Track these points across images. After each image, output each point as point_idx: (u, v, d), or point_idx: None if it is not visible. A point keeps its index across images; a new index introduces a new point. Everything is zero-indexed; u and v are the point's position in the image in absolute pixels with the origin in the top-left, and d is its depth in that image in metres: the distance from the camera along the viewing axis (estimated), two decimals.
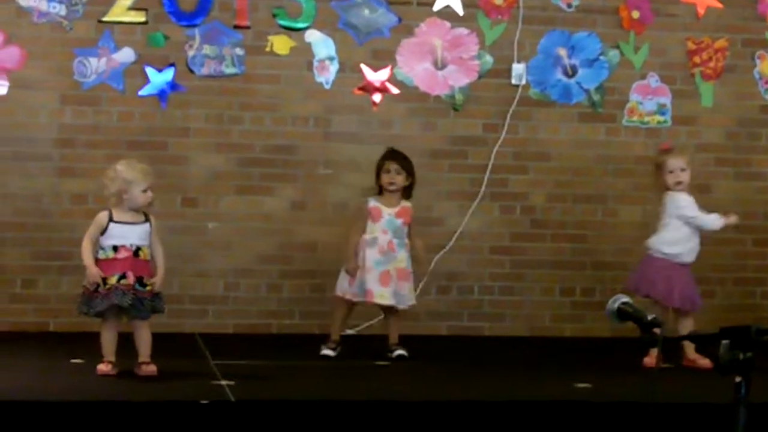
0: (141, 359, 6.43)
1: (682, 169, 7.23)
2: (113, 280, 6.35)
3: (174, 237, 7.95)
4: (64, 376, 6.38)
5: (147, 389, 6.06)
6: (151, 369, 6.40)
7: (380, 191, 7.35)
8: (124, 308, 6.35)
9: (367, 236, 7.26)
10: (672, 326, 7.07)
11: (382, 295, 7.22)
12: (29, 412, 5.47)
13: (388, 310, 7.37)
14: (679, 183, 7.22)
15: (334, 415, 5.68)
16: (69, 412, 5.49)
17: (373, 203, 7.32)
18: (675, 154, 7.33)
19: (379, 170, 7.36)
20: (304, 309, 8.22)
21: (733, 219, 7.35)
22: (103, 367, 6.38)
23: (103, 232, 6.46)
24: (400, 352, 7.24)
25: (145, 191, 6.49)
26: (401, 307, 7.31)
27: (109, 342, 6.43)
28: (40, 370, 6.57)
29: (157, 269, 6.49)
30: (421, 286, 8.35)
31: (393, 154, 7.39)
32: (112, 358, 6.42)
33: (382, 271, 7.21)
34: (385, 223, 7.28)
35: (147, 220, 6.53)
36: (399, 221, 7.31)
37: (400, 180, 7.33)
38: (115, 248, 6.42)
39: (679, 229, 7.25)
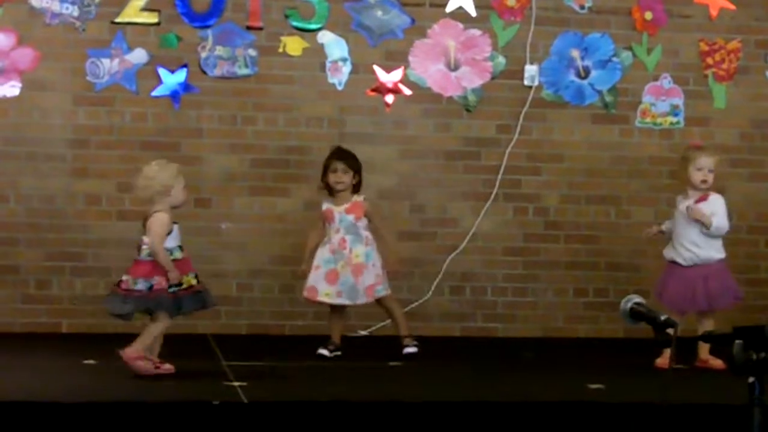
0: (156, 359, 6.49)
1: (710, 170, 7.20)
2: (191, 280, 6.40)
3: (187, 238, 7.91)
4: (77, 377, 6.39)
5: (159, 390, 6.06)
6: (169, 367, 6.46)
7: (330, 192, 7.34)
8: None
9: (326, 239, 7.28)
10: (693, 326, 7.05)
11: (327, 293, 7.23)
12: (41, 413, 5.47)
13: (380, 302, 7.34)
14: (704, 182, 7.19)
15: (346, 416, 5.68)
16: (81, 413, 5.50)
17: (325, 206, 7.33)
18: (707, 153, 7.29)
19: (326, 169, 7.34)
20: (317, 310, 8.18)
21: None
22: (170, 366, 6.42)
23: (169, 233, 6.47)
24: (410, 350, 7.24)
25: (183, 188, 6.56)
26: (358, 302, 7.28)
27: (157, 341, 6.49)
28: (52, 371, 6.58)
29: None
30: (434, 286, 8.37)
31: (340, 154, 7.39)
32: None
33: (330, 269, 7.22)
34: (338, 222, 7.28)
35: None
36: (350, 217, 7.29)
37: (347, 179, 7.31)
38: (181, 248, 6.47)
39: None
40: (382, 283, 7.29)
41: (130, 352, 6.33)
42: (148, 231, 6.42)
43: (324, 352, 7.25)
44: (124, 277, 6.41)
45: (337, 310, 7.37)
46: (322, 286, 7.24)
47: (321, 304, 7.37)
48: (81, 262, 8.07)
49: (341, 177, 7.30)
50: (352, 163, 7.35)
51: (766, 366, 3.23)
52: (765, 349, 3.23)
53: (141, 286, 6.36)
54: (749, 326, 3.26)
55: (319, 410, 5.71)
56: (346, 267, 7.22)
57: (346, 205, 7.30)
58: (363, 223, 7.30)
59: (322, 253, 7.26)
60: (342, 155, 7.38)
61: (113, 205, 8.13)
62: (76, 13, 8.04)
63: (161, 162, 6.63)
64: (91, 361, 6.75)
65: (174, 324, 6.75)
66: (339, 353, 7.28)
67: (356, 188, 7.35)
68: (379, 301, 7.35)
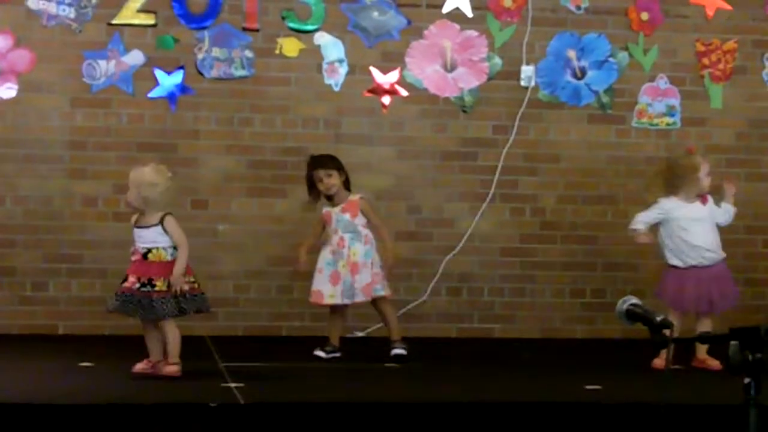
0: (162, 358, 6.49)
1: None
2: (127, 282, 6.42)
3: None
4: (73, 379, 6.38)
5: (156, 392, 6.06)
6: (170, 369, 6.41)
7: (327, 198, 7.32)
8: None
9: (327, 241, 7.28)
10: (691, 326, 7.07)
11: (332, 295, 7.20)
12: (38, 415, 5.47)
13: (375, 304, 7.32)
14: (708, 186, 7.24)
15: (343, 417, 5.68)
16: (78, 415, 5.49)
17: (325, 209, 7.31)
18: (702, 159, 7.33)
19: (311, 183, 7.32)
20: (315, 311, 8.18)
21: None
22: (138, 365, 6.42)
23: None
24: (397, 351, 7.20)
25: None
26: (356, 301, 7.24)
27: (147, 342, 6.45)
28: (49, 373, 6.58)
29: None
30: (431, 287, 8.37)
31: (316, 162, 7.33)
32: (151, 357, 6.44)
33: (332, 271, 7.21)
34: (335, 223, 7.27)
35: (160, 222, 6.53)
36: (346, 216, 7.27)
37: (334, 180, 7.28)
38: (133, 252, 6.47)
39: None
40: (380, 282, 7.25)
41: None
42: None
43: (320, 353, 7.23)
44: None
45: (337, 311, 7.35)
46: (326, 289, 7.21)
47: (326, 306, 7.34)
48: (78, 263, 8.07)
49: (327, 182, 7.26)
50: (330, 163, 7.31)
51: (762, 366, 3.23)
52: (761, 350, 3.23)
53: None
54: (745, 327, 3.26)
55: (316, 411, 5.70)
56: (346, 266, 7.21)
57: (341, 205, 7.30)
58: (361, 221, 7.28)
59: (324, 256, 7.24)
60: (319, 162, 7.32)
61: (110, 206, 8.12)
62: (72, 15, 8.04)
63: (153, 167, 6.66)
64: (88, 363, 6.74)
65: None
66: (337, 355, 7.26)
67: (347, 184, 7.33)
68: (374, 302, 7.33)
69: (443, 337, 8.35)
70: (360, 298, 7.25)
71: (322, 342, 7.33)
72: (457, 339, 8.42)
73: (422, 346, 7.42)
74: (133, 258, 6.45)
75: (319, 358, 7.21)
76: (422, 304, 8.33)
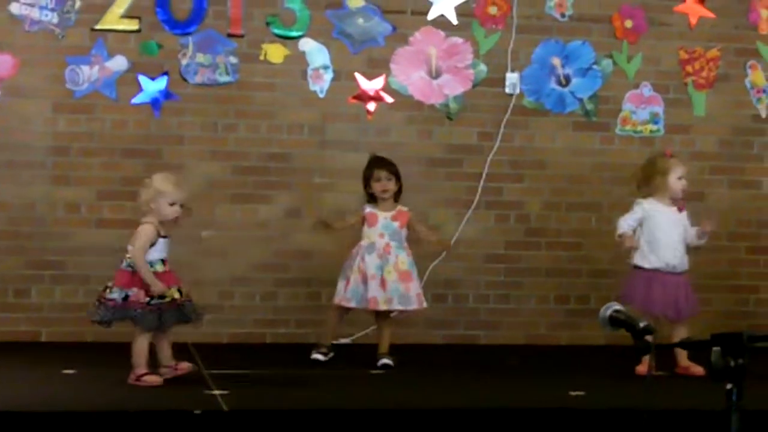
0: (172, 362, 6.52)
1: (684, 178, 7.29)
2: (174, 293, 6.39)
3: None
4: (56, 387, 6.36)
5: (140, 399, 6.05)
6: (186, 365, 6.54)
7: (371, 199, 7.36)
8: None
9: (364, 242, 7.28)
10: (666, 333, 7.09)
11: (385, 300, 7.23)
12: (21, 423, 5.45)
13: (380, 317, 7.36)
14: (683, 191, 7.27)
15: (327, 424, 5.67)
16: (61, 423, 5.48)
17: (369, 210, 7.35)
18: (681, 162, 7.38)
19: (368, 179, 7.36)
20: (300, 318, 8.20)
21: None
22: (156, 378, 6.39)
23: (152, 245, 6.48)
24: (385, 361, 7.23)
25: (173, 204, 6.50)
26: (411, 308, 7.33)
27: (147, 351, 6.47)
28: (31, 380, 6.55)
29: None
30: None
31: (380, 162, 7.42)
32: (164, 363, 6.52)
33: (381, 276, 7.23)
34: (382, 227, 7.30)
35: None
36: (395, 224, 7.33)
37: (392, 185, 7.36)
38: (163, 261, 6.45)
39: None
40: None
41: (132, 378, 6.38)
42: (132, 241, 6.43)
43: (319, 357, 7.26)
44: (108, 284, 6.42)
45: (344, 313, 7.37)
46: (380, 295, 7.24)
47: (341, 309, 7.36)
48: (61, 270, 8.04)
49: (386, 185, 7.34)
50: (394, 169, 7.40)
51: (744, 372, 3.24)
52: (743, 356, 3.24)
53: (116, 295, 6.37)
54: (727, 333, 3.27)
55: (301, 419, 5.70)
56: (392, 273, 7.24)
57: (391, 212, 7.34)
58: (404, 232, 7.34)
59: (372, 261, 7.25)
60: (383, 163, 7.42)
61: (93, 212, 8.10)
62: (55, 20, 8.02)
63: (162, 174, 6.65)
64: (71, 371, 6.72)
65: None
66: (332, 354, 7.31)
67: (397, 194, 7.40)
68: (379, 315, 7.36)
69: (429, 343, 8.35)
70: (414, 306, 7.35)
71: (307, 348, 7.32)
72: (443, 345, 8.42)
73: (407, 352, 7.42)
74: (168, 269, 6.46)
75: (318, 361, 7.23)
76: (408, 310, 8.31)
